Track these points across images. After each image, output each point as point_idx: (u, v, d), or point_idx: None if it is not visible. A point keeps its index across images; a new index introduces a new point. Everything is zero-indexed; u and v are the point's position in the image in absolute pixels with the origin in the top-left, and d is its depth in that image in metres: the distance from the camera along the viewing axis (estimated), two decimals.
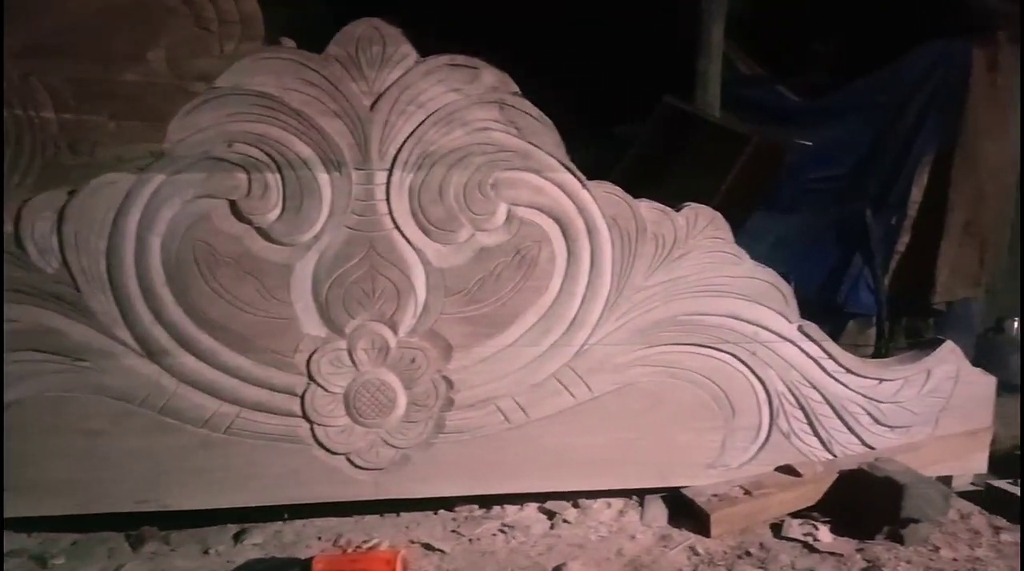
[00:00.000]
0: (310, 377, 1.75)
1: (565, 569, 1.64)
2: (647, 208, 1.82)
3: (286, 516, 1.84)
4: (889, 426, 2.03)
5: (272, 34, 2.63)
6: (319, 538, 1.78)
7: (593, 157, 3.81)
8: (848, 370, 1.96)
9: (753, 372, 1.91)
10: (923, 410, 2.05)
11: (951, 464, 2.09)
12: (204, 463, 1.74)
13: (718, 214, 1.86)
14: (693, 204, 1.86)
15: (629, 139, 3.82)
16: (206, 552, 1.72)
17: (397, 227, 1.73)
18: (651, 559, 1.70)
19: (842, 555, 1.72)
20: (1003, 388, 2.64)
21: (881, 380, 2.00)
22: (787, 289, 1.91)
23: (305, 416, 1.76)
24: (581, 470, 1.89)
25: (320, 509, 1.84)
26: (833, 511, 1.90)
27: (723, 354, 1.89)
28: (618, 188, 1.81)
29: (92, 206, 1.64)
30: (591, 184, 1.79)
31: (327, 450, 1.78)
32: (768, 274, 1.89)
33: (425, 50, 1.71)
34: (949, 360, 2.05)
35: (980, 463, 2.13)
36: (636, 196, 1.83)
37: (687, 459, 1.92)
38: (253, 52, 1.83)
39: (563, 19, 3.87)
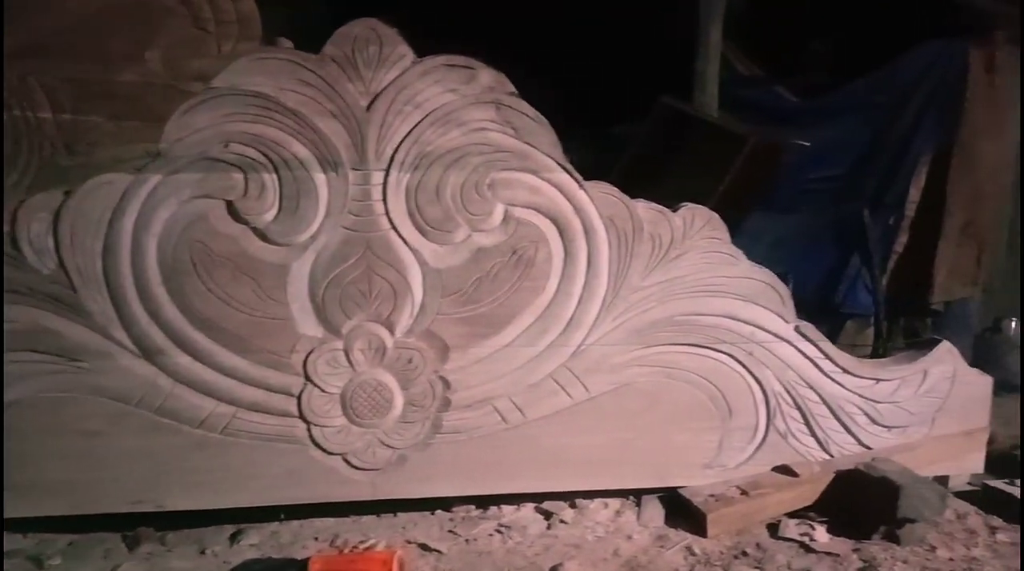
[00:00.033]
0: (307, 377, 1.75)
1: (561, 569, 1.64)
2: (644, 208, 1.82)
3: (283, 517, 1.84)
4: (886, 426, 2.03)
5: (271, 34, 2.63)
6: (316, 538, 1.78)
7: (592, 157, 3.83)
8: (845, 370, 1.97)
9: (750, 372, 1.91)
10: (920, 410, 2.05)
11: (948, 464, 2.09)
12: (200, 463, 1.74)
13: (715, 214, 1.87)
14: (690, 204, 1.86)
15: (628, 139, 3.82)
16: (202, 553, 1.72)
17: (394, 227, 1.73)
18: (648, 559, 1.70)
19: (838, 555, 1.72)
20: (1001, 388, 2.64)
21: (878, 380, 2.00)
22: (784, 289, 1.92)
23: (302, 416, 1.76)
24: (578, 470, 1.89)
25: (317, 509, 1.84)
26: (830, 511, 1.90)
27: (720, 354, 1.89)
28: (615, 188, 1.81)
29: (88, 206, 1.64)
30: (588, 184, 1.79)
31: (324, 450, 1.78)
32: (765, 274, 1.90)
33: (423, 50, 1.71)
34: (946, 360, 2.05)
35: (977, 463, 2.13)
36: (634, 196, 1.83)
37: (684, 459, 1.93)
38: (250, 52, 1.82)
39: (561, 19, 3.87)
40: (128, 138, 2.48)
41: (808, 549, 1.76)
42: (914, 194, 3.64)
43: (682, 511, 1.88)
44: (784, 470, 1.95)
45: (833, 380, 1.96)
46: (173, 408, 1.71)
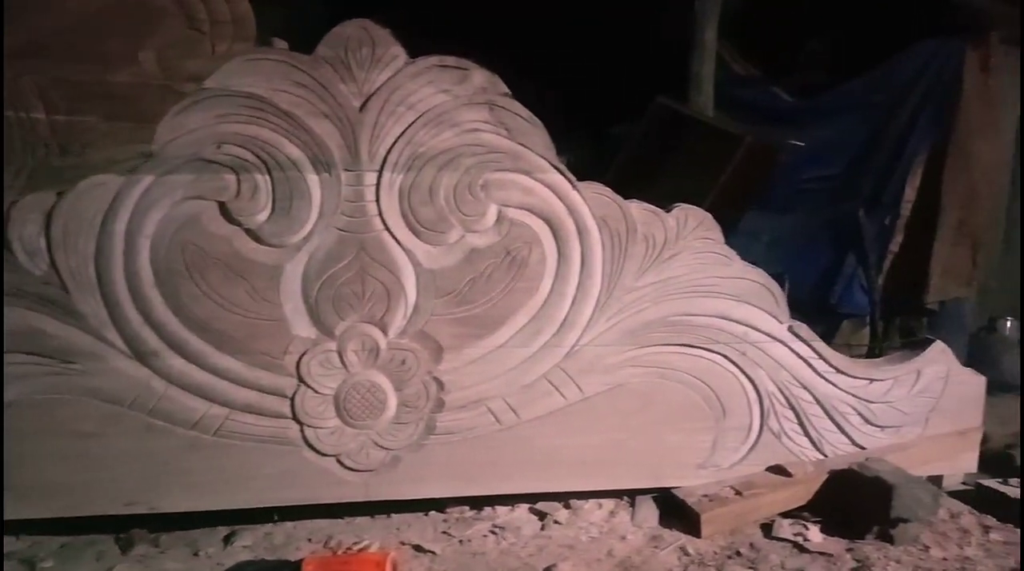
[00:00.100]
0: (300, 379, 1.74)
1: (555, 570, 1.64)
2: (637, 209, 1.82)
3: (276, 518, 1.84)
4: (879, 426, 2.03)
5: (266, 34, 2.63)
6: (309, 540, 1.78)
7: (588, 158, 3.83)
8: (838, 370, 1.97)
9: (743, 372, 1.91)
10: (913, 410, 2.05)
11: (941, 464, 2.09)
12: (194, 465, 1.73)
13: (708, 215, 1.87)
14: (683, 205, 1.86)
15: (623, 140, 3.82)
16: (196, 554, 1.72)
17: (387, 228, 1.73)
18: (641, 560, 1.70)
19: (832, 555, 1.73)
20: (996, 387, 2.65)
21: (871, 380, 2.01)
22: (777, 289, 1.92)
23: (295, 418, 1.76)
24: (572, 471, 1.89)
25: (310, 511, 1.84)
26: (823, 511, 1.90)
27: (714, 355, 1.90)
28: (608, 189, 1.81)
29: (80, 208, 1.63)
30: (581, 185, 1.79)
31: (317, 452, 1.78)
32: (758, 275, 1.90)
33: (418, 51, 1.71)
34: (939, 360, 2.06)
35: (970, 463, 2.14)
36: (630, 196, 1.83)
37: (678, 459, 1.93)
38: (244, 53, 1.82)
39: (557, 20, 3.87)
40: (122, 139, 2.47)
41: (802, 549, 1.76)
42: (909, 194, 3.65)
43: (676, 511, 1.88)
44: (778, 470, 1.95)
45: (827, 380, 1.97)
46: (166, 410, 1.71)
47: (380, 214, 1.72)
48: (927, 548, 1.77)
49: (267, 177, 1.67)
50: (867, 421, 2.02)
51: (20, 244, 1.62)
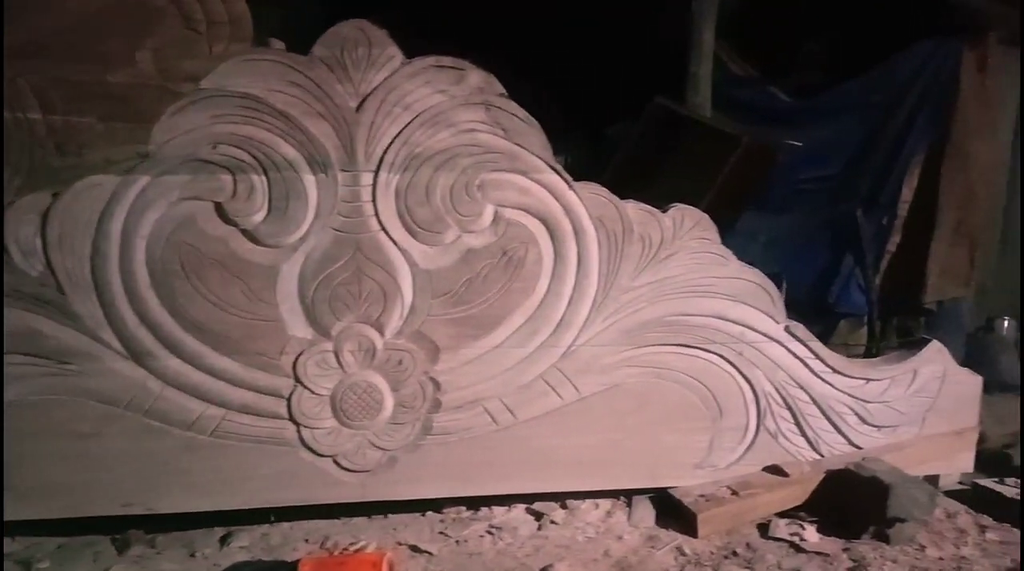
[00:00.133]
0: (296, 379, 1.74)
1: (552, 570, 1.64)
2: (634, 209, 1.82)
3: (273, 519, 1.84)
4: (876, 426, 2.03)
5: (263, 35, 2.63)
6: (306, 540, 1.78)
7: (586, 158, 3.83)
8: (835, 370, 1.97)
9: (740, 372, 1.91)
10: (910, 410, 2.06)
11: (938, 463, 2.10)
12: (190, 466, 1.73)
13: (704, 215, 1.87)
14: (679, 205, 1.86)
15: (621, 140, 3.83)
16: (192, 555, 1.72)
17: (383, 229, 1.73)
18: (638, 560, 1.70)
19: (828, 555, 1.73)
20: (994, 387, 2.65)
21: (868, 380, 2.01)
22: (774, 289, 1.92)
23: (292, 418, 1.76)
24: (569, 471, 1.89)
25: (307, 511, 1.83)
26: (820, 511, 1.90)
27: (710, 355, 1.90)
28: (604, 189, 1.81)
29: (76, 208, 1.63)
30: (577, 185, 1.79)
31: (314, 452, 1.78)
32: (755, 275, 1.90)
33: (416, 51, 1.71)
34: (936, 360, 2.06)
35: (967, 462, 2.14)
36: (627, 197, 1.83)
37: (675, 459, 1.93)
38: (240, 54, 1.82)
39: (555, 20, 3.87)
40: (119, 139, 2.47)
41: (798, 549, 1.76)
42: (907, 194, 3.66)
43: (673, 511, 1.88)
44: (774, 470, 1.95)
45: (823, 380, 1.97)
46: (162, 410, 1.71)
47: (376, 214, 1.72)
48: (923, 548, 1.77)
49: (263, 177, 1.67)
50: (864, 421, 2.02)
51: (16, 245, 1.62)
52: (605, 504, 1.94)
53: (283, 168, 1.67)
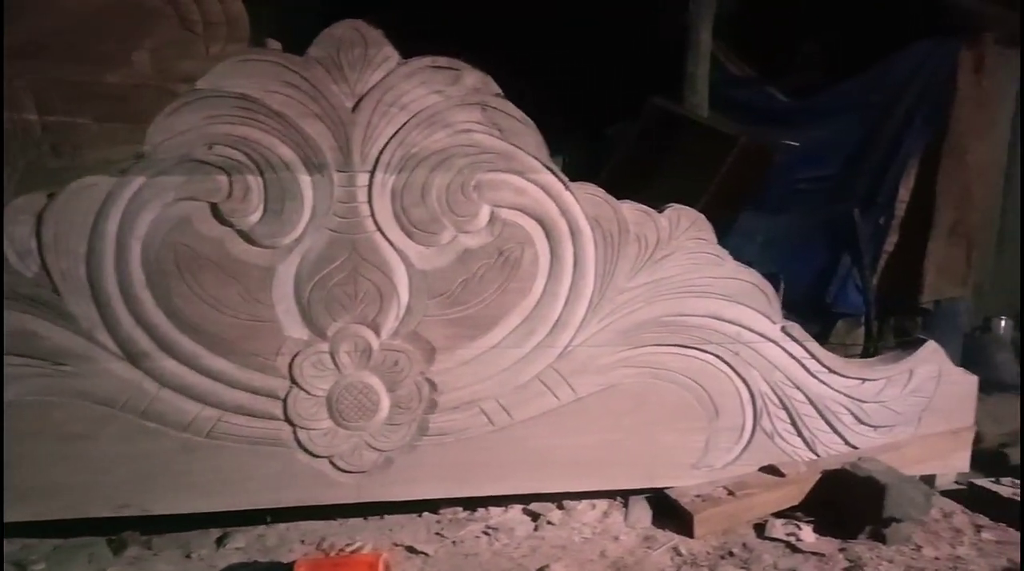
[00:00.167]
0: (292, 380, 1.74)
1: None
2: (630, 209, 1.82)
3: (269, 520, 1.83)
4: (872, 426, 2.04)
5: (262, 35, 2.62)
6: (302, 541, 1.78)
7: (583, 158, 3.83)
8: (831, 370, 1.97)
9: (736, 373, 1.92)
10: (906, 409, 2.06)
11: (934, 463, 2.10)
12: (186, 467, 1.73)
13: (701, 215, 1.87)
14: (676, 205, 1.86)
15: (618, 140, 3.83)
16: (188, 556, 1.72)
17: (379, 229, 1.73)
18: (634, 560, 1.70)
19: (824, 555, 1.73)
20: (991, 387, 2.66)
21: (864, 380, 2.01)
22: (770, 290, 1.92)
23: (287, 419, 1.75)
24: (565, 471, 1.89)
25: (303, 512, 1.83)
26: (816, 511, 1.90)
27: (706, 355, 1.90)
28: (600, 189, 1.81)
29: (72, 209, 1.63)
30: (573, 185, 1.79)
31: (310, 453, 1.78)
32: (751, 275, 1.90)
33: (414, 51, 1.71)
34: (931, 360, 2.06)
35: (963, 462, 2.14)
36: (624, 197, 1.83)
37: (671, 460, 1.93)
38: (237, 54, 1.82)
39: (552, 20, 3.87)
40: (116, 140, 2.47)
41: (794, 549, 1.76)
42: (903, 194, 3.67)
43: (669, 512, 1.88)
44: (771, 470, 1.95)
45: (819, 380, 1.97)
46: (158, 411, 1.71)
47: (372, 215, 1.72)
48: (919, 547, 1.77)
49: (259, 178, 1.67)
50: (860, 421, 2.02)
51: (11, 246, 1.61)
52: (601, 504, 1.94)
53: (279, 169, 1.67)
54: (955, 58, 3.56)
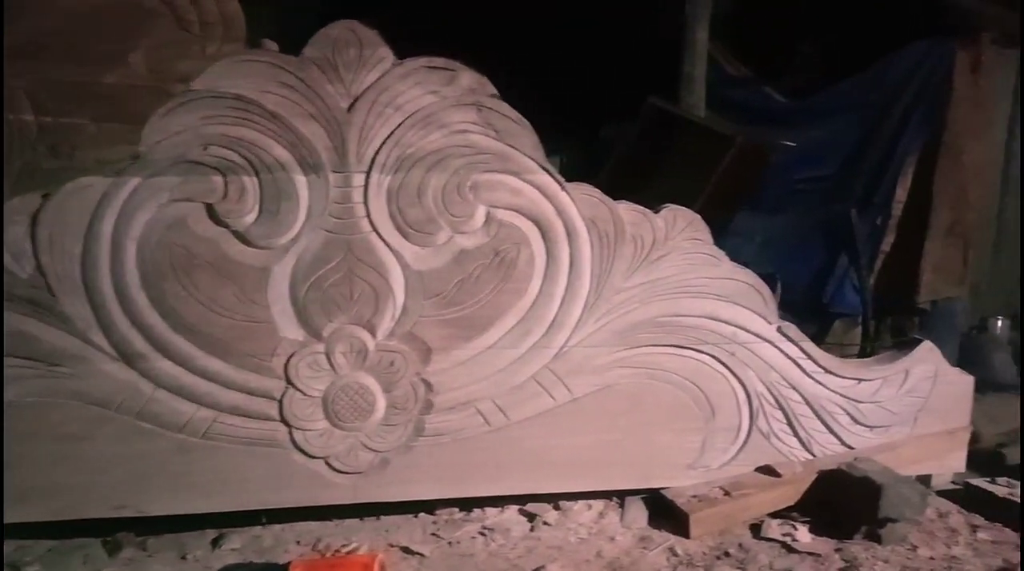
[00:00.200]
0: (288, 381, 1.74)
1: None
2: (626, 210, 1.82)
3: (264, 521, 1.83)
4: (868, 426, 2.04)
5: (258, 36, 2.62)
6: (298, 542, 1.77)
7: (580, 158, 3.83)
8: (827, 370, 1.97)
9: (733, 373, 1.92)
10: (902, 410, 2.06)
11: (930, 463, 2.10)
12: (182, 468, 1.73)
13: (697, 216, 1.87)
14: (672, 205, 1.86)
15: (615, 140, 3.83)
16: (184, 557, 1.71)
17: (375, 230, 1.73)
18: (630, 561, 1.70)
19: (820, 555, 1.73)
20: (987, 387, 2.66)
21: (860, 380, 2.01)
22: (766, 290, 1.92)
23: (283, 420, 1.75)
24: (561, 472, 1.89)
25: (299, 513, 1.83)
26: (812, 511, 1.91)
27: (703, 355, 1.90)
28: (596, 190, 1.81)
29: (67, 210, 1.63)
30: (570, 186, 1.79)
31: (306, 454, 1.78)
32: (747, 275, 1.90)
33: (410, 52, 1.71)
34: (927, 360, 2.07)
35: (959, 462, 2.15)
36: (621, 197, 1.83)
37: (667, 460, 1.93)
38: (233, 54, 1.82)
39: (549, 21, 3.87)
40: (112, 140, 2.46)
41: (790, 549, 1.76)
42: (900, 194, 3.67)
43: (665, 512, 1.88)
44: (767, 470, 1.95)
45: (815, 380, 1.97)
46: (154, 412, 1.70)
47: (368, 216, 1.72)
48: (915, 547, 1.78)
49: (254, 179, 1.67)
50: (856, 421, 2.02)
51: (6, 247, 1.61)
52: (598, 505, 1.94)
53: (274, 169, 1.67)
54: (952, 58, 3.56)
